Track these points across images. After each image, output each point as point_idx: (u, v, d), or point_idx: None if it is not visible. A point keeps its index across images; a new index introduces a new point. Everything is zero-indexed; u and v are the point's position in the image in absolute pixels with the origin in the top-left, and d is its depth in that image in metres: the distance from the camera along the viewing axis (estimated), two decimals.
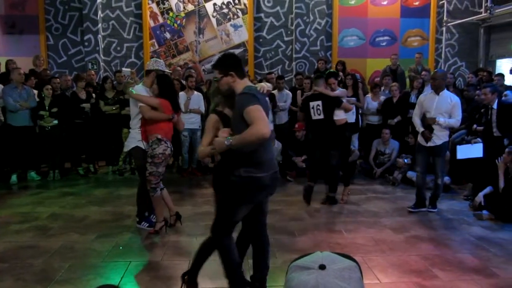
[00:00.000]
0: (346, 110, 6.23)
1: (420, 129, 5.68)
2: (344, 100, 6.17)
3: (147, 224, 5.05)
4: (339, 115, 6.05)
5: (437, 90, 5.59)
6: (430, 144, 5.62)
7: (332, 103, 5.93)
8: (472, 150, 6.32)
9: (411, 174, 6.97)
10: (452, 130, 7.58)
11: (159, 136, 4.70)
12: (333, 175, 6.10)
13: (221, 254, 3.32)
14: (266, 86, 3.46)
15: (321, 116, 5.88)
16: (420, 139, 5.77)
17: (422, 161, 5.80)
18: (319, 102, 5.88)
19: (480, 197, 5.61)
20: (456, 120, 5.57)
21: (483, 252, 4.39)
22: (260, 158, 3.10)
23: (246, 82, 3.18)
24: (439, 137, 5.60)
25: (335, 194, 6.11)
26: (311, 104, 5.95)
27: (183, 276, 3.53)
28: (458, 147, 6.55)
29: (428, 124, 5.59)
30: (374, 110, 8.17)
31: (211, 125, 3.24)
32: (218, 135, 3.06)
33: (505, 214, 5.32)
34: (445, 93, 5.63)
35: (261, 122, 2.84)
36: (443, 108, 5.53)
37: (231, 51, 10.39)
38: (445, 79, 6.28)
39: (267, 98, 3.51)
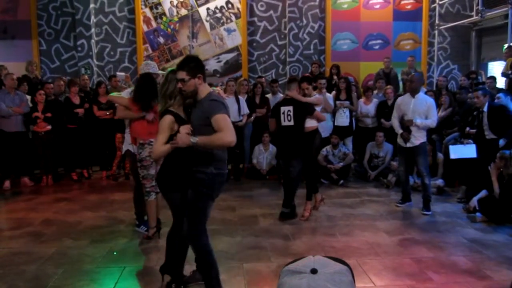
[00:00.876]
0: (319, 120, 5.71)
1: (399, 131, 5.95)
2: (318, 109, 5.69)
3: (145, 228, 5.06)
4: (311, 123, 5.60)
5: (413, 92, 5.89)
6: (409, 145, 5.89)
7: (304, 110, 5.45)
8: (465, 150, 6.50)
9: None
10: (445, 134, 7.66)
11: (141, 141, 4.73)
12: (289, 188, 5.60)
13: (202, 256, 3.40)
14: (220, 90, 3.69)
15: (291, 123, 5.41)
16: (399, 140, 6.03)
17: (403, 161, 6.14)
18: (290, 108, 5.41)
19: (474, 202, 5.63)
20: (432, 120, 5.84)
21: (476, 254, 4.41)
22: (223, 156, 3.35)
23: (207, 86, 3.34)
24: (417, 138, 5.86)
25: (289, 210, 5.61)
26: (282, 109, 5.49)
27: (168, 286, 3.60)
28: (451, 147, 6.71)
29: (406, 125, 5.83)
30: (368, 113, 8.21)
31: (166, 125, 3.28)
32: (180, 131, 3.13)
33: (499, 217, 5.34)
34: (420, 95, 5.94)
35: (230, 131, 3.09)
36: (419, 109, 5.81)
37: (226, 54, 10.45)
38: (421, 82, 6.53)
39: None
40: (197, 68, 3.23)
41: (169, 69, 3.49)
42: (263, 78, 9.14)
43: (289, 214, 5.61)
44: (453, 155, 6.58)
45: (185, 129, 3.15)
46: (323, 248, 4.61)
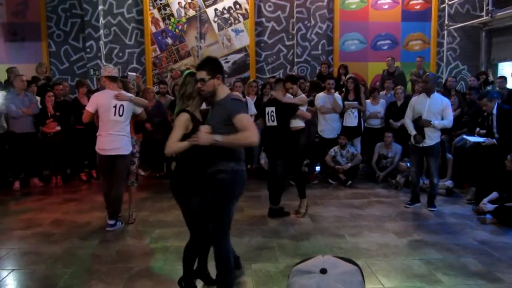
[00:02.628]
0: (304, 118, 5.80)
1: (412, 132, 5.92)
2: (303, 108, 5.71)
3: (121, 222, 5.41)
4: (296, 123, 5.69)
5: (428, 92, 5.86)
6: (423, 145, 5.86)
7: (285, 111, 5.53)
8: (478, 138, 6.65)
9: None
10: (455, 135, 7.60)
11: (134, 137, 5.54)
12: (276, 186, 5.67)
13: (221, 261, 3.36)
14: (240, 95, 3.79)
15: (275, 123, 5.51)
16: (413, 140, 5.99)
17: (416, 161, 6.10)
18: (273, 108, 5.50)
19: (485, 203, 5.54)
20: (449, 120, 5.84)
21: (486, 256, 4.37)
22: (242, 155, 3.38)
23: (226, 87, 3.35)
24: (432, 138, 5.85)
25: (277, 207, 5.69)
26: (266, 109, 5.60)
27: (180, 282, 3.58)
28: (466, 137, 6.93)
29: (423, 125, 5.78)
30: (377, 114, 8.16)
31: (182, 123, 3.25)
32: (201, 131, 3.11)
33: (509, 220, 5.27)
34: (435, 95, 5.90)
35: (254, 131, 3.12)
36: (435, 109, 5.78)
37: (233, 55, 10.46)
38: (436, 82, 6.49)
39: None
40: (216, 68, 3.26)
41: (187, 71, 3.50)
42: (272, 79, 9.14)
43: (278, 212, 5.70)
44: (471, 139, 6.74)
45: (205, 128, 3.13)
46: (331, 249, 4.59)
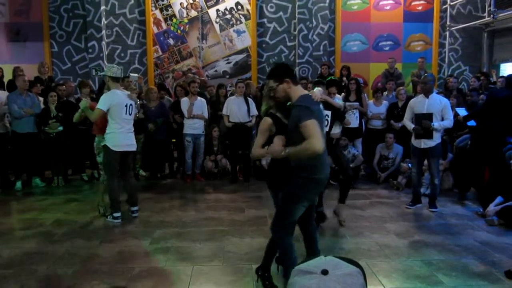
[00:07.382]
0: (346, 125, 5.72)
1: (411, 126, 5.94)
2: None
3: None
4: (335, 129, 5.40)
5: (426, 93, 5.87)
6: (424, 146, 5.85)
7: (338, 115, 5.25)
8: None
9: None
10: (456, 136, 7.58)
11: None
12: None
13: (279, 251, 3.68)
14: (319, 94, 3.61)
15: (327, 129, 5.00)
16: (414, 142, 5.98)
17: (417, 162, 6.09)
18: (329, 113, 5.02)
19: (491, 209, 5.52)
20: (449, 121, 5.84)
21: (488, 257, 4.36)
22: (315, 162, 3.24)
23: (300, 89, 3.30)
24: (433, 139, 5.83)
25: (323, 208, 5.41)
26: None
27: (257, 271, 3.80)
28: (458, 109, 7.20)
29: (426, 128, 5.76)
30: (379, 115, 8.14)
31: (265, 128, 3.37)
32: (274, 142, 3.17)
33: None
34: (434, 95, 5.92)
35: (316, 139, 2.96)
36: (434, 109, 5.78)
37: (235, 56, 10.47)
38: (434, 83, 6.45)
39: (321, 106, 3.51)
40: (283, 73, 3.26)
41: None
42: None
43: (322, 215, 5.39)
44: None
45: (278, 140, 3.16)
46: (332, 250, 4.59)
